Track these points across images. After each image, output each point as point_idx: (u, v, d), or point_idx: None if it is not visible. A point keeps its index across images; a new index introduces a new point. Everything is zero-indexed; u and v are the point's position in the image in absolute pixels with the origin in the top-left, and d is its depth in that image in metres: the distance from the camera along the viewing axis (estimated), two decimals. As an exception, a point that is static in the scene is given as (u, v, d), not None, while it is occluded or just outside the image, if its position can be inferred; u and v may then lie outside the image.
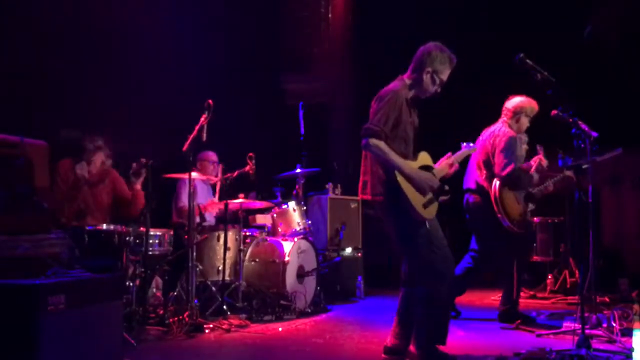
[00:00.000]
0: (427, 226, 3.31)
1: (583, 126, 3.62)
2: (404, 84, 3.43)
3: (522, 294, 5.92)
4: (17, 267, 2.94)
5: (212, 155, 5.65)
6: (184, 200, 5.28)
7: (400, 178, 3.21)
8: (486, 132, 4.67)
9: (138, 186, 4.71)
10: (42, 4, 4.95)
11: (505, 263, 4.71)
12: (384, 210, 3.36)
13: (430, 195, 3.34)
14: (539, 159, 4.56)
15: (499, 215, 4.43)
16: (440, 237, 3.39)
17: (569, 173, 4.64)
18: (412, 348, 3.37)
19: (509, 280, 4.65)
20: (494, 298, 5.70)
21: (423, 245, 3.29)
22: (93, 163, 4.65)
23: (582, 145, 3.63)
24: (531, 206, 5.75)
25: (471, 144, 3.82)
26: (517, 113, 4.59)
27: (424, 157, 3.46)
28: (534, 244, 6.50)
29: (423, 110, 3.54)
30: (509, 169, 4.44)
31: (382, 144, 3.20)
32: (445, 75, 3.43)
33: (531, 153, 4.75)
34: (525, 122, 4.62)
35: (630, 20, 6.58)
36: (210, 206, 5.49)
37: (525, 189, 4.62)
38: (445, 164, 3.53)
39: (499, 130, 4.59)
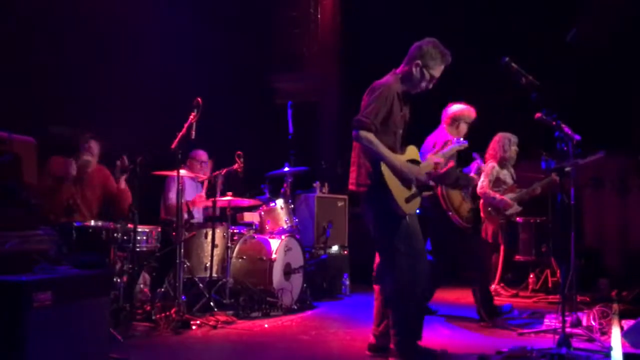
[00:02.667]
0: (407, 220, 3.35)
1: (566, 129, 3.70)
2: (396, 77, 3.46)
3: (504, 292, 6.05)
4: (4, 263, 2.93)
5: (202, 155, 5.66)
6: (172, 198, 5.31)
7: (385, 171, 3.25)
8: (429, 138, 4.72)
9: (123, 184, 4.71)
10: (38, 1, 4.93)
11: (465, 262, 4.80)
12: (366, 201, 3.39)
13: (414, 190, 3.38)
14: (478, 165, 4.65)
15: (449, 213, 4.48)
16: (418, 233, 3.42)
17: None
18: (391, 345, 3.41)
19: (475, 278, 4.74)
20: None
21: (400, 239, 3.32)
22: (89, 163, 4.65)
23: (565, 148, 3.70)
24: (518, 208, 5.84)
25: (461, 139, 3.86)
26: (456, 119, 4.70)
27: (412, 151, 3.50)
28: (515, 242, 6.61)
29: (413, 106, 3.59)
30: (448, 166, 4.52)
31: (372, 136, 3.24)
32: (436, 71, 3.43)
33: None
34: (463, 128, 4.73)
35: (615, 23, 6.68)
36: (198, 201, 5.50)
37: (466, 188, 4.68)
38: (430, 160, 3.58)
39: (438, 135, 4.66)
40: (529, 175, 5.14)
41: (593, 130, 4.64)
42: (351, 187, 3.45)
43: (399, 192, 3.30)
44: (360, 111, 3.34)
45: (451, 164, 4.46)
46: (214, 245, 4.91)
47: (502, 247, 5.99)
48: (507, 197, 5.76)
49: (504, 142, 5.88)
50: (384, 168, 3.25)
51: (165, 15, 5.82)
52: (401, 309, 3.34)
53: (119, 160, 4.57)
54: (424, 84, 3.45)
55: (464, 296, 6.01)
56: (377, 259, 3.58)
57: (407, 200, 3.35)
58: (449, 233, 4.58)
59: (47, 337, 2.77)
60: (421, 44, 3.45)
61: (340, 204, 6.50)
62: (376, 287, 3.57)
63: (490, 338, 4.15)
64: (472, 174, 4.83)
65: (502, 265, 6.06)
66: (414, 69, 3.42)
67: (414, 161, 3.46)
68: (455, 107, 4.74)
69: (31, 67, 4.87)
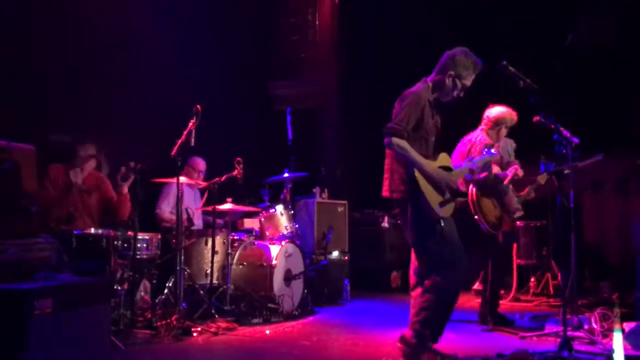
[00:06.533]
0: (442, 224, 3.37)
1: (565, 132, 3.70)
2: (427, 86, 3.50)
3: (505, 295, 6.03)
4: (4, 271, 2.94)
5: (201, 164, 5.65)
6: (161, 207, 5.42)
7: (419, 176, 3.29)
8: (465, 139, 4.70)
9: (125, 190, 4.72)
10: (38, 6, 4.95)
11: (482, 266, 4.78)
12: (401, 206, 3.44)
13: (447, 195, 3.41)
14: (515, 170, 4.57)
15: (476, 217, 4.41)
16: (455, 236, 3.44)
17: (541, 179, 4.70)
18: (405, 333, 3.42)
19: (486, 283, 4.72)
20: (479, 301, 5.76)
21: (437, 243, 3.36)
22: (85, 170, 4.69)
23: (564, 151, 3.71)
24: (519, 213, 5.81)
25: (492, 150, 3.83)
26: (497, 123, 4.61)
27: (444, 158, 3.53)
28: (512, 248, 6.58)
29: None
30: (484, 174, 4.49)
31: (403, 142, 3.28)
32: (468, 80, 3.48)
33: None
34: (504, 132, 4.66)
35: (612, 27, 6.71)
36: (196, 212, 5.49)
37: (500, 197, 4.62)
38: (465, 166, 3.61)
39: (476, 138, 4.61)
40: (528, 178, 5.13)
41: (592, 132, 4.64)
42: (385, 193, 3.48)
43: (432, 196, 3.34)
44: (391, 119, 3.38)
45: (485, 174, 4.45)
46: (214, 252, 4.91)
47: None
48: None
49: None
50: (417, 173, 3.29)
51: (165, 22, 5.84)
52: (431, 306, 3.37)
53: (124, 167, 4.58)
54: (455, 93, 3.50)
55: (465, 300, 6.00)
56: (412, 264, 3.59)
57: (442, 204, 3.38)
58: (473, 237, 4.48)
59: (48, 344, 2.78)
60: (454, 53, 3.48)
61: (340, 209, 6.50)
62: (413, 294, 3.54)
63: (492, 341, 4.15)
64: (506, 181, 4.66)
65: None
66: (446, 80, 3.46)
67: (446, 168, 3.49)
68: (498, 110, 4.61)
69: (31, 75, 4.88)
